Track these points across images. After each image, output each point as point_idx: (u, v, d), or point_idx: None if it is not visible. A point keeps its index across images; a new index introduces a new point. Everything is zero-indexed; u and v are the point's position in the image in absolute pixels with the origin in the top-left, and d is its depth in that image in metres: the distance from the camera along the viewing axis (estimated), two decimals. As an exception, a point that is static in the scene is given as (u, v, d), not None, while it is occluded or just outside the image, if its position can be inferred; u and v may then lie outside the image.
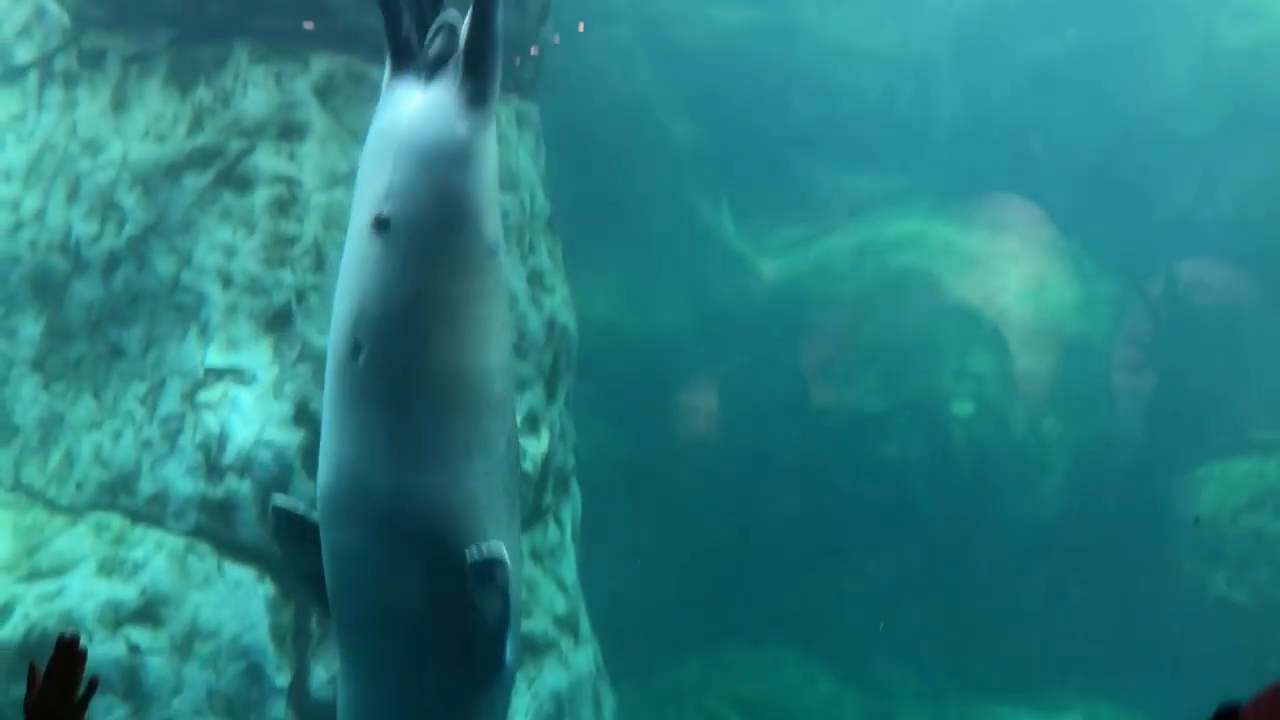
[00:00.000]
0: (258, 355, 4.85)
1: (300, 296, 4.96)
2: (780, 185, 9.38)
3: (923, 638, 8.89)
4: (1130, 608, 8.44)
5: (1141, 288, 9.21)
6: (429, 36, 3.25)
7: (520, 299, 5.30)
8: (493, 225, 3.22)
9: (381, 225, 3.11)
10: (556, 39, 6.71)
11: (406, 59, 3.26)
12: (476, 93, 3.19)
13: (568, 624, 5.02)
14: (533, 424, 5.23)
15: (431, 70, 3.21)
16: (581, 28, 8.59)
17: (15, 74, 5.48)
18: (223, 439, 4.74)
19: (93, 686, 2.10)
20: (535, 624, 4.91)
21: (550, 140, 6.49)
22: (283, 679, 4.39)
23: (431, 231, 3.12)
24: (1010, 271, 9.30)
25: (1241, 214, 8.98)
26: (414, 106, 3.19)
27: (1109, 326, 9.17)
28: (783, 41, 9.36)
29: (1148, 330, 9.09)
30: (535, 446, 5.18)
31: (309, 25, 5.26)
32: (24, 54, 5.43)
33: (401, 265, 3.10)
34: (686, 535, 8.82)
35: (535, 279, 5.41)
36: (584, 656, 5.02)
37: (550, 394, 5.39)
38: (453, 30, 3.24)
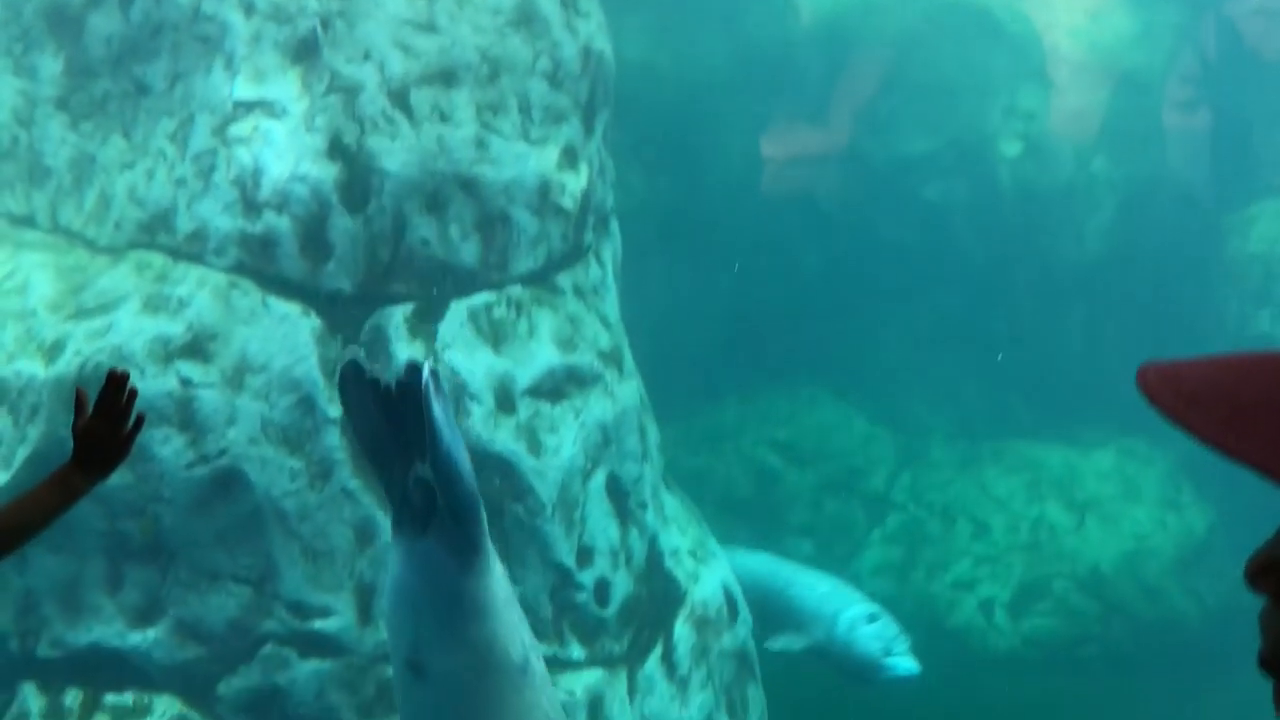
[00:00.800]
0: (286, 87, 4.70)
1: (325, 23, 4.76)
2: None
3: (959, 379, 8.96)
4: (1171, 348, 8.42)
5: (1202, 16, 8.72)
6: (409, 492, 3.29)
7: (553, 25, 5.06)
8: (518, 644, 3.36)
9: (418, 671, 3.33)
10: None
11: (404, 513, 3.32)
12: (467, 544, 3.27)
13: (612, 358, 5.05)
14: (570, 158, 5.10)
15: (423, 525, 3.28)
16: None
17: None
18: (257, 174, 4.65)
19: (139, 422, 2.10)
20: (580, 357, 4.94)
21: None
22: (335, 410, 4.47)
23: (465, 675, 3.31)
24: (1066, 3, 8.83)
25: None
26: (417, 563, 3.31)
27: (1166, 59, 8.76)
28: None
29: (1206, 62, 8.67)
30: (574, 182, 5.06)
31: None
32: None
33: (443, 704, 3.34)
34: (725, 281, 8.79)
35: (569, 2, 5.15)
36: (628, 389, 5.07)
37: (588, 127, 5.23)
38: (428, 486, 3.25)
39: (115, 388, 2.03)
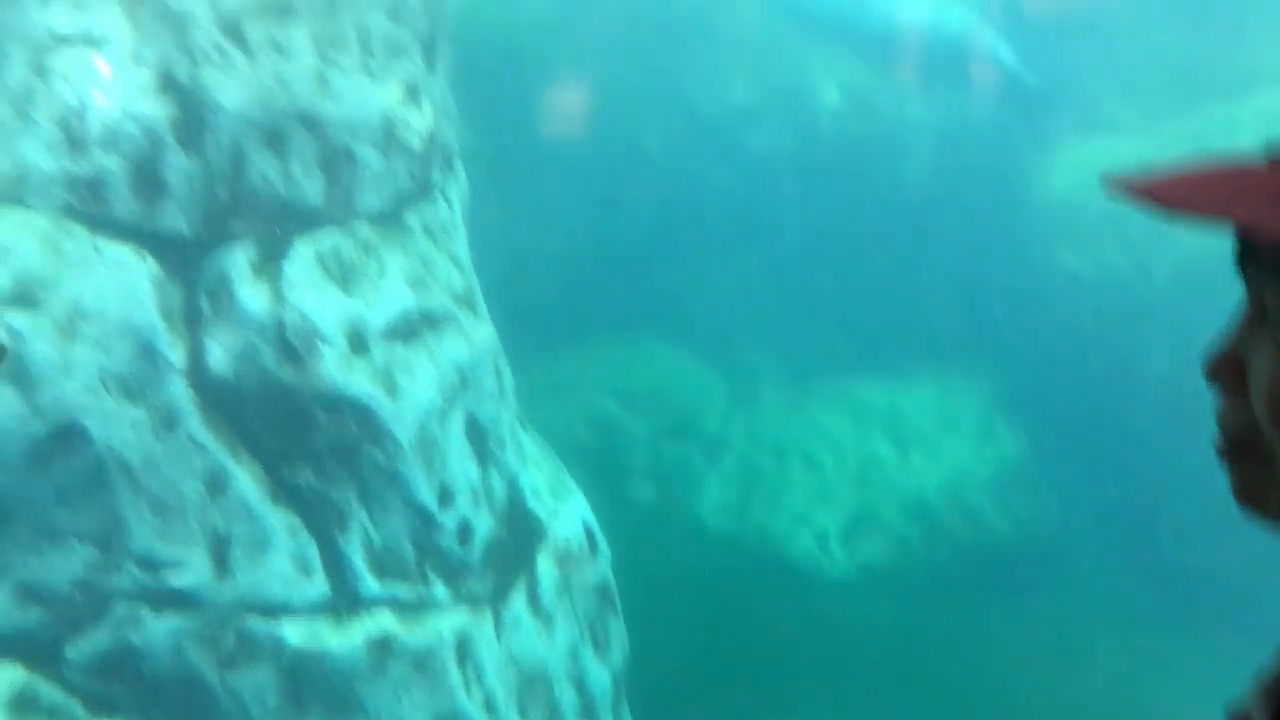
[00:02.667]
0: (109, 17, 4.42)
1: (150, -49, 4.50)
2: None
3: (785, 322, 9.25)
4: (982, 287, 8.90)
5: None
6: None
7: (390, -40, 4.93)
8: None
9: None
10: None
11: None
12: None
13: (465, 300, 5.00)
14: (413, 95, 4.99)
15: None
16: None
17: None
18: (82, 110, 4.38)
19: None
20: (434, 299, 4.87)
21: None
22: (177, 356, 4.27)
23: None
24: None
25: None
26: None
27: (973, 7, 9.19)
28: None
29: (1008, 10, 9.16)
30: (419, 119, 4.97)
31: None
32: None
33: None
34: (558, 231, 8.80)
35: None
36: (483, 330, 5.04)
37: (430, 64, 5.13)
38: None
39: None
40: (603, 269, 8.94)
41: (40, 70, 4.43)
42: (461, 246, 5.29)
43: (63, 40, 4.44)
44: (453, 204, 5.30)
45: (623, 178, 9.07)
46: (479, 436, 4.98)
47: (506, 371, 5.33)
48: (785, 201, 9.09)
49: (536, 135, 8.99)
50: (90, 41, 4.43)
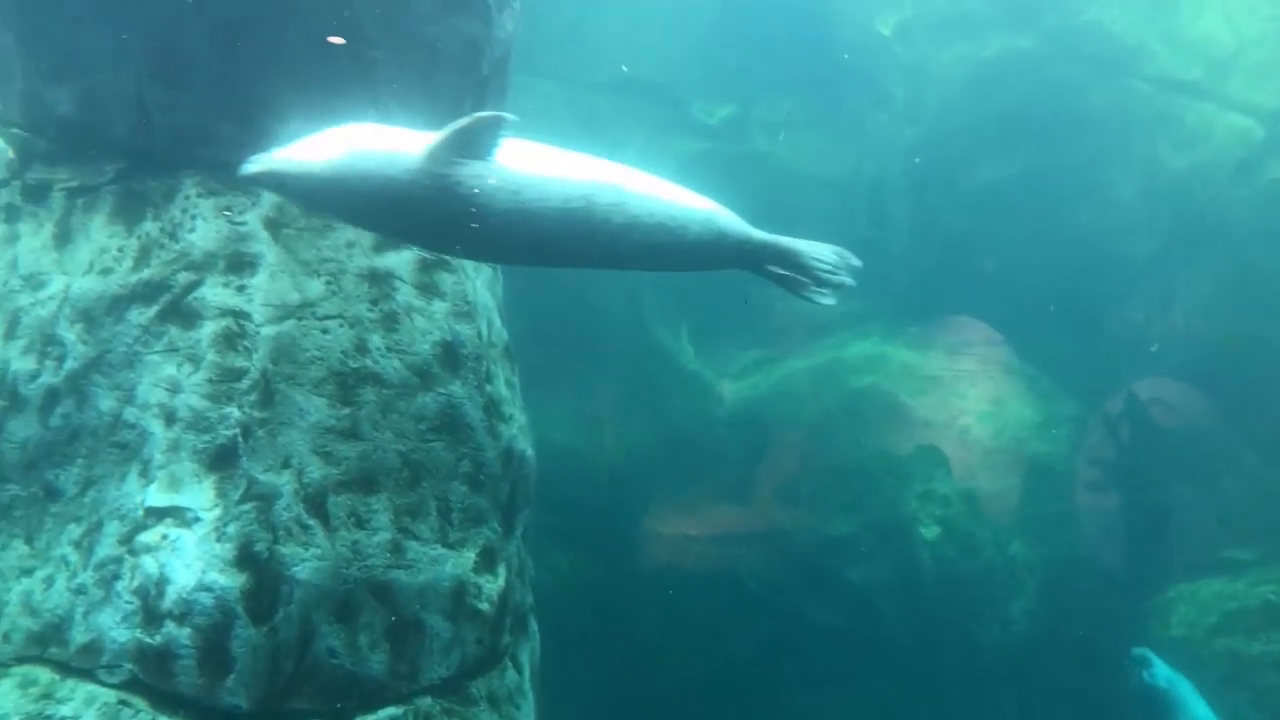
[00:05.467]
0: (200, 495, 4.66)
1: (246, 431, 4.79)
2: (737, 309, 9.40)
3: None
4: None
5: (1100, 407, 9.23)
6: None
7: (476, 429, 5.16)
8: None
9: None
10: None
11: None
12: None
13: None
14: (489, 560, 5.04)
15: None
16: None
17: (-44, 208, 5.36)
18: (161, 583, 4.51)
19: None
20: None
21: (508, 268, 6.45)
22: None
23: None
24: (970, 393, 9.31)
25: (1193, 331, 9.08)
26: None
27: (1070, 446, 9.16)
28: (740, 169, 9.48)
29: (1110, 450, 9.07)
30: (492, 584, 4.98)
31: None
32: (-35, 188, 5.33)
33: None
34: (652, 667, 8.57)
35: (492, 408, 5.28)
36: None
37: (508, 528, 5.22)
38: None
39: None
40: (699, 707, 8.58)
41: (130, 544, 4.62)
42: (528, 714, 5.12)
43: (154, 515, 4.66)
44: (522, 668, 5.19)
45: (722, 612, 8.90)
46: None
47: None
48: (887, 638, 8.75)
49: (633, 567, 8.98)
50: (179, 517, 4.64)
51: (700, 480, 9.33)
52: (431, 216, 3.93)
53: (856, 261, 4.44)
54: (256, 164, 4.02)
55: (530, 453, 5.51)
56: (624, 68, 9.52)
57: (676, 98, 9.74)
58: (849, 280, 4.37)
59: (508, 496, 5.28)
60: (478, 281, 5.65)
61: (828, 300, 4.39)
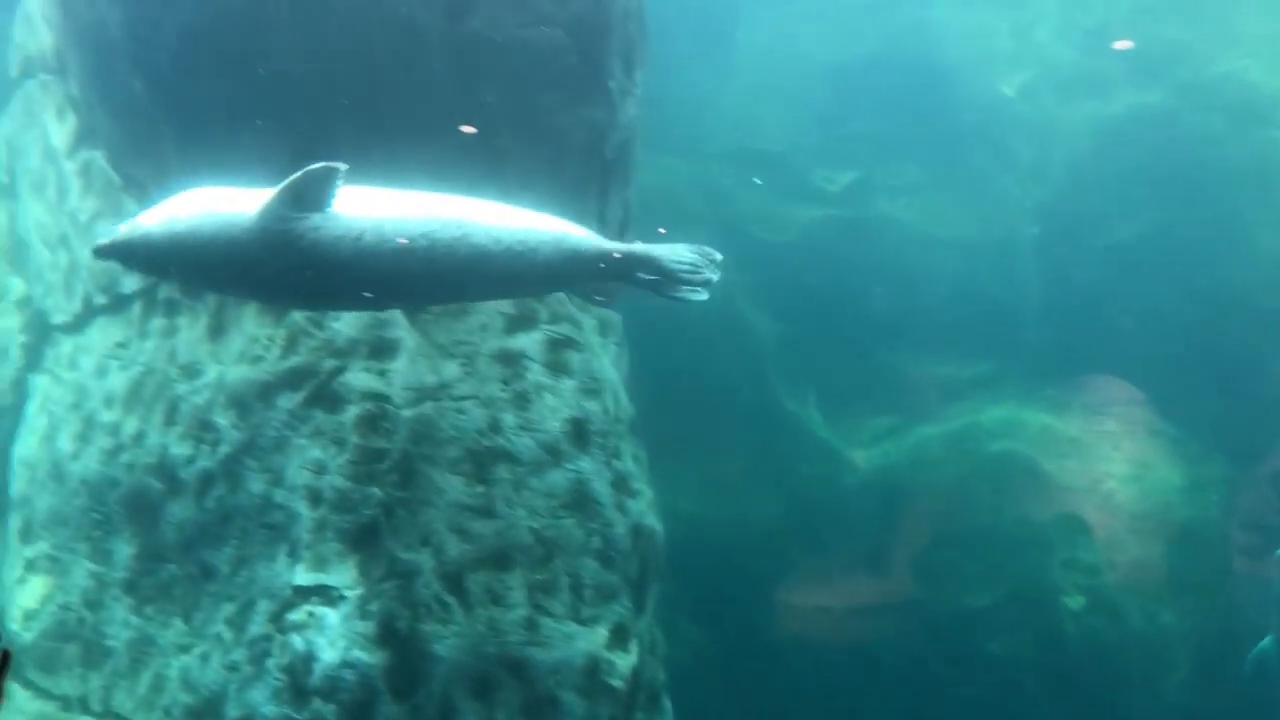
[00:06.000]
0: (345, 573, 4.84)
1: (388, 511, 4.97)
2: (866, 375, 9.32)
3: None
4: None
5: (1252, 468, 8.82)
6: None
7: (605, 505, 5.24)
8: None
9: None
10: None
11: None
12: None
13: None
14: (621, 636, 5.08)
15: None
16: (661, 232, 8.81)
17: (122, 303, 5.74)
18: (308, 660, 4.68)
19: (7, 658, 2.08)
20: None
21: (632, 339, 6.57)
22: None
23: None
24: (1113, 456, 9.01)
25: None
26: None
27: (1220, 510, 8.77)
28: (862, 234, 9.47)
29: (1265, 513, 8.65)
30: (624, 661, 5.02)
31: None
32: (130, 284, 5.70)
33: None
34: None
35: (620, 483, 5.37)
36: None
37: (639, 604, 5.26)
38: None
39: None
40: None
41: (279, 623, 4.82)
42: (663, 795, 5.11)
43: (302, 594, 4.85)
44: (656, 745, 5.19)
45: (859, 686, 8.73)
46: None
47: None
48: (1032, 712, 8.44)
49: (766, 639, 8.89)
50: (325, 595, 4.82)
51: (832, 550, 9.21)
52: (277, 272, 3.97)
53: (718, 256, 4.52)
54: (105, 238, 4.14)
55: (659, 528, 5.56)
56: (744, 140, 9.66)
57: (798, 166, 9.82)
58: (714, 276, 4.44)
59: (638, 572, 5.33)
60: (604, 359, 5.78)
61: (700, 297, 4.46)
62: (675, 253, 4.48)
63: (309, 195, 3.91)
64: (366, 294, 4.16)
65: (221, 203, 4.06)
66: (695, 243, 4.48)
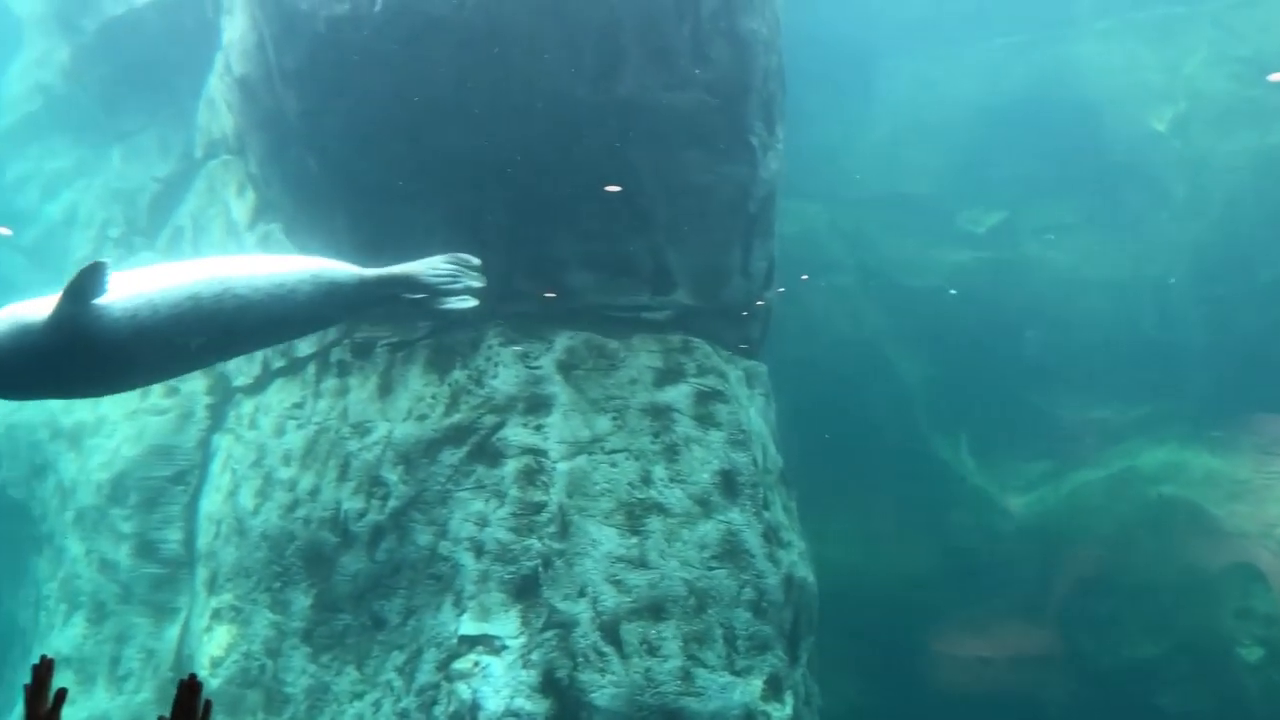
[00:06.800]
0: (508, 623, 5.01)
1: (547, 562, 5.13)
2: (1019, 419, 9.14)
3: None
4: None
5: None
6: None
7: (756, 556, 5.29)
8: None
9: None
10: (780, 290, 6.92)
11: None
12: None
13: None
14: (775, 688, 5.11)
15: None
16: (804, 279, 8.86)
17: (297, 365, 6.10)
18: (474, 709, 4.85)
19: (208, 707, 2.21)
20: None
21: (778, 388, 6.62)
22: None
23: None
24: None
25: None
26: None
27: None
28: (1011, 276, 9.33)
29: None
30: (780, 713, 5.04)
31: (550, 295, 5.66)
32: (305, 347, 6.06)
33: None
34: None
35: (771, 534, 5.41)
36: None
37: (793, 656, 5.28)
38: None
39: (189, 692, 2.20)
40: None
41: (446, 671, 5.01)
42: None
43: (467, 643, 5.04)
44: (813, 797, 5.18)
45: (1018, 738, 8.48)
46: None
47: None
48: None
49: (925, 692, 8.73)
50: (489, 645, 5.00)
51: (989, 599, 9.01)
52: (72, 364, 4.21)
53: (475, 261, 4.65)
54: None
55: (811, 579, 5.58)
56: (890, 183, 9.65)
57: (942, 209, 9.74)
58: (475, 282, 4.58)
59: (791, 624, 5.36)
60: (751, 410, 5.86)
61: (468, 304, 4.60)
62: (432, 266, 4.65)
63: (86, 289, 4.19)
64: (156, 365, 4.41)
65: (19, 310, 4.33)
66: (455, 253, 4.65)
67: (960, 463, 9.26)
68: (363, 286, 4.66)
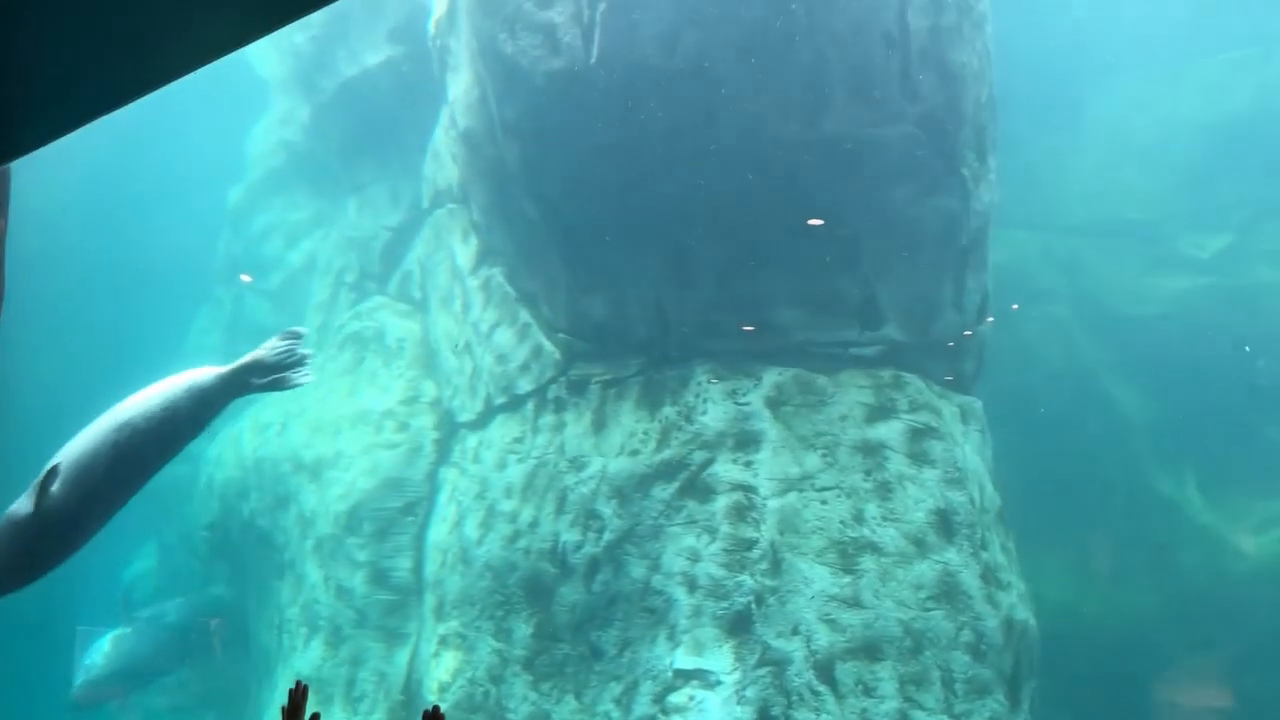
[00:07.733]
0: (721, 659, 5.07)
1: (759, 599, 5.18)
2: (1253, 454, 8.64)
3: None
4: None
5: None
6: None
7: (975, 597, 5.19)
8: None
9: None
10: (990, 320, 6.79)
11: None
12: None
13: None
14: (997, 733, 4.99)
15: None
16: (1014, 308, 8.63)
17: (517, 402, 6.37)
18: (691, 743, 4.93)
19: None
20: None
21: (991, 422, 6.47)
22: None
23: None
24: None
25: None
26: None
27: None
28: (1239, 302, 8.84)
29: None
30: (1002, 758, 4.91)
31: (749, 328, 5.74)
32: (524, 385, 6.33)
33: None
34: None
35: (989, 575, 5.30)
36: None
37: (1014, 701, 5.15)
38: None
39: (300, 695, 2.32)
40: None
41: (661, 704, 5.12)
42: None
43: (682, 677, 5.14)
44: None
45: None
46: None
47: None
48: None
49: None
50: (704, 680, 5.08)
51: (1220, 644, 8.53)
52: (61, 543, 4.66)
53: (301, 330, 4.88)
54: None
55: (1033, 621, 5.44)
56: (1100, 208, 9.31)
57: (1162, 233, 9.33)
58: (306, 350, 4.82)
59: (1012, 667, 5.23)
60: (967, 447, 5.76)
61: (306, 379, 4.81)
62: (269, 347, 4.89)
63: (51, 481, 4.60)
64: (98, 514, 4.74)
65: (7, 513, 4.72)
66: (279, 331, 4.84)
67: (1187, 500, 8.81)
68: (225, 382, 5.05)
